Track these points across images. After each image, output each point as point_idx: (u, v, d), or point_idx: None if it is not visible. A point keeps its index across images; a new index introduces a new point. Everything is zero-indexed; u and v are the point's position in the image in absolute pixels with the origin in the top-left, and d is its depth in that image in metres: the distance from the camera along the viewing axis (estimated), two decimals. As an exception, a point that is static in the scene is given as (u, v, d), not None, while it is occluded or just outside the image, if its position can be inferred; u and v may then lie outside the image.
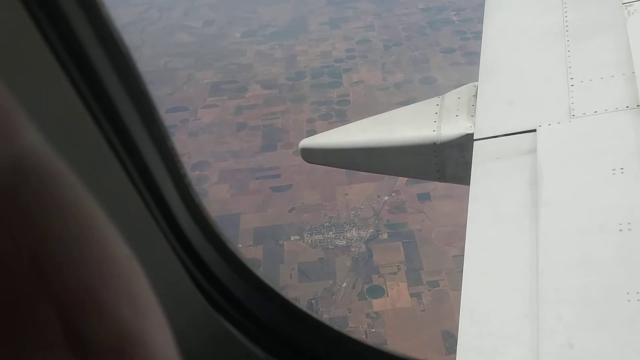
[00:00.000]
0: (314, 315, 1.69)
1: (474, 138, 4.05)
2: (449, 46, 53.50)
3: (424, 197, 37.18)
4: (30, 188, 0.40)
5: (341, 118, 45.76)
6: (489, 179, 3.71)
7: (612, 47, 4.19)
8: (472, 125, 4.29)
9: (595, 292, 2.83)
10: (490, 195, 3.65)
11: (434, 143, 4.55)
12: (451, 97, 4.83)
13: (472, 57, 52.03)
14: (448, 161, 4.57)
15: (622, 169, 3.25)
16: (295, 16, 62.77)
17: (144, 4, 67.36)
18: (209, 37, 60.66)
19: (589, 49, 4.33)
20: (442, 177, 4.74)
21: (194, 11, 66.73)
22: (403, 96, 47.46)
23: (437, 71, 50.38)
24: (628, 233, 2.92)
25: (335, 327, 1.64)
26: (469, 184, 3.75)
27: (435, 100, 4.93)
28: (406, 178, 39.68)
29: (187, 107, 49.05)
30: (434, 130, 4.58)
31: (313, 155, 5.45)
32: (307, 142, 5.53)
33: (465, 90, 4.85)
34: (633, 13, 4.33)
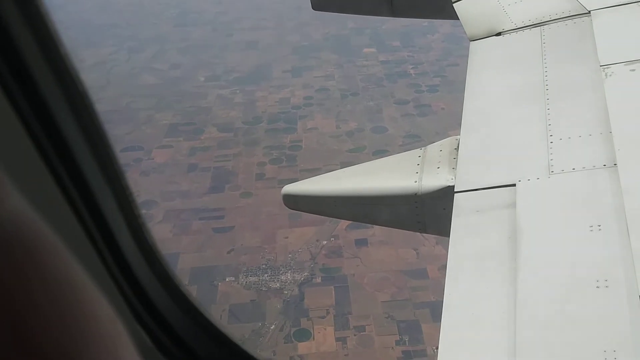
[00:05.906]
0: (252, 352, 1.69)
1: (455, 190, 4.04)
2: (402, 98, 54.95)
3: (362, 242, 37.71)
4: (10, 258, 0.39)
5: (291, 162, 46.68)
6: (468, 232, 3.68)
7: (591, 107, 4.25)
8: (453, 178, 4.28)
9: (572, 349, 2.80)
10: (469, 248, 3.61)
11: (416, 194, 4.54)
12: (433, 149, 4.85)
13: (424, 109, 53.76)
14: (429, 212, 4.53)
15: (599, 226, 3.27)
16: (260, 63, 64.40)
17: (114, 45, 68.74)
18: (174, 79, 61.77)
19: (568, 108, 4.39)
20: (422, 228, 4.70)
21: (163, 54, 68.12)
22: (353, 144, 48.65)
23: (389, 121, 51.63)
24: (605, 290, 2.92)
25: None
26: (449, 236, 3.70)
27: (417, 152, 4.94)
28: (346, 223, 40.40)
29: (142, 146, 49.61)
30: (416, 182, 4.57)
31: (295, 202, 5.36)
32: (290, 188, 5.38)
33: (447, 143, 4.83)
34: (610, 75, 4.44)
